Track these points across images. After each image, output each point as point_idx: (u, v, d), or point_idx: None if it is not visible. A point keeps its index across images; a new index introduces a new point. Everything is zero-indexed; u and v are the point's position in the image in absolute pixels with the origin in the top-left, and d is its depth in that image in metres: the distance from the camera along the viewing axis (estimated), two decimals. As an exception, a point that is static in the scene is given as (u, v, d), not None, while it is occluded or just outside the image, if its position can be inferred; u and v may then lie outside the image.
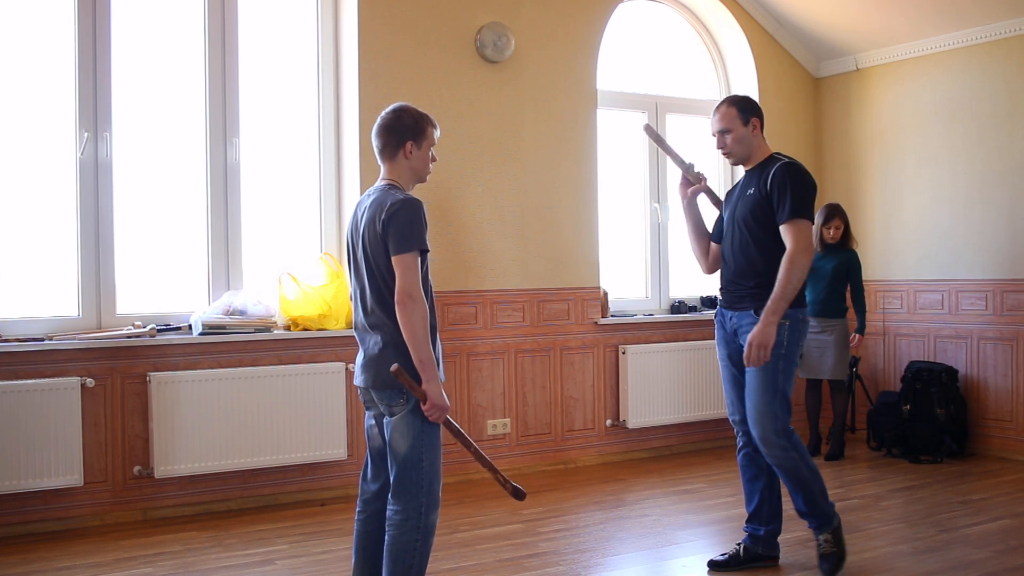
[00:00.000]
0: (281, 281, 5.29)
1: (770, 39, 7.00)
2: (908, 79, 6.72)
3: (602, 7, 6.29)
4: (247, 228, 5.37)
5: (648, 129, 4.27)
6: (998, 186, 6.22)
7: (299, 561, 4.19)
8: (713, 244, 4.18)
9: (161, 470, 4.82)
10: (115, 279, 4.99)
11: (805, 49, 7.14)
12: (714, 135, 4.00)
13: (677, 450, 6.53)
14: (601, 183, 6.29)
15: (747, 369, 3.87)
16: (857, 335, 6.23)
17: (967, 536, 4.49)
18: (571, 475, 5.90)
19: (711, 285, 6.41)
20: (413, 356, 3.00)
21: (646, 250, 6.74)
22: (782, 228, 3.80)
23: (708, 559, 4.13)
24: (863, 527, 4.65)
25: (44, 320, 4.84)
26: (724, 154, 4.00)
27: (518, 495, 3.23)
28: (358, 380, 3.20)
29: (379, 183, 3.19)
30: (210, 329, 5.00)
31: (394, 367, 2.99)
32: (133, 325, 4.93)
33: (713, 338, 4.25)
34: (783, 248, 3.80)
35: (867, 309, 6.39)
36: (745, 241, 3.91)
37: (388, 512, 3.12)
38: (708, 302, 6.76)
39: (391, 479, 3.13)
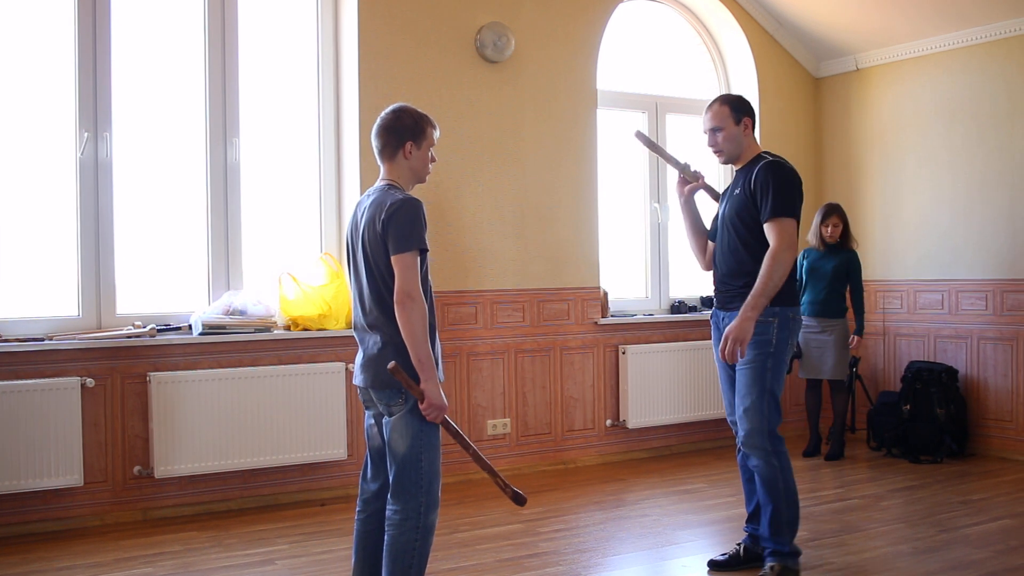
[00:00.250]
0: (281, 281, 5.29)
1: (770, 39, 7.00)
2: (908, 79, 6.72)
3: (602, 7, 6.29)
4: (247, 228, 5.37)
5: (639, 135, 4.27)
6: (998, 186, 6.21)
7: (299, 561, 4.19)
8: (711, 241, 4.18)
9: (161, 470, 4.82)
10: (115, 279, 5.00)
11: (805, 49, 7.14)
12: (705, 132, 3.99)
13: (677, 450, 6.53)
14: (601, 183, 6.29)
15: (737, 367, 3.87)
16: (856, 337, 6.22)
17: (967, 536, 4.49)
18: (571, 475, 5.90)
19: (711, 285, 6.41)
20: (412, 355, 3.00)
21: (646, 250, 6.74)
22: (766, 226, 3.79)
23: (708, 559, 4.13)
24: (863, 527, 4.66)
25: (44, 320, 4.84)
26: (715, 152, 3.99)
27: (519, 500, 3.20)
28: (357, 380, 3.21)
29: (379, 183, 3.20)
30: (210, 329, 5.00)
31: (391, 364, 2.99)
32: (133, 325, 4.94)
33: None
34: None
35: (867, 309, 6.38)
36: (733, 241, 3.92)
37: (387, 512, 3.12)
38: (708, 302, 6.75)
39: (390, 479, 3.13)
